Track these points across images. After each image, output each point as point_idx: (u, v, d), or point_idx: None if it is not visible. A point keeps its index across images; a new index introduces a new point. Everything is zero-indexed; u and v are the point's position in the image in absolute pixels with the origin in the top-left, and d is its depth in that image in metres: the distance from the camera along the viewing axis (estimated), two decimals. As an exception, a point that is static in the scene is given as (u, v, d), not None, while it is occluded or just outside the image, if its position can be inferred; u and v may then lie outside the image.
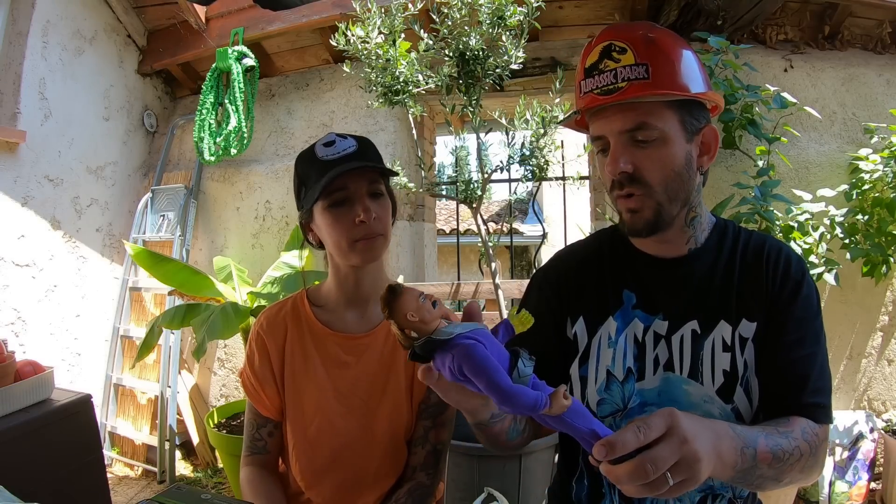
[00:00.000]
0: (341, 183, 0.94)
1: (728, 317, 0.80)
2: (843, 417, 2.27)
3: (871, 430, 2.24)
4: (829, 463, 2.18)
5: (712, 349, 0.80)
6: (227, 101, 2.80)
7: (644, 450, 0.53)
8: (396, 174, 1.06)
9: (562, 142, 2.47)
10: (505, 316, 0.60)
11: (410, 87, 1.98)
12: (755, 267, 0.82)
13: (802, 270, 0.82)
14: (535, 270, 0.99)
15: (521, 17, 1.85)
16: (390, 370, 1.04)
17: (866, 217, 2.15)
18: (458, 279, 2.71)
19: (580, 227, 2.96)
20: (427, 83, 1.99)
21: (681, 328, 0.81)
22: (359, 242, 0.96)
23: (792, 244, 2.04)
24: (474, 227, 2.27)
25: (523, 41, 1.88)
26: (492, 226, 5.96)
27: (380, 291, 1.05)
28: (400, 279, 2.48)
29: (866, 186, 2.17)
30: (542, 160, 2.10)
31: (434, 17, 1.92)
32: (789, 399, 0.76)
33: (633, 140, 0.76)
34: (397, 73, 1.96)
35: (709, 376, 0.79)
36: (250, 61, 2.81)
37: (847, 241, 2.13)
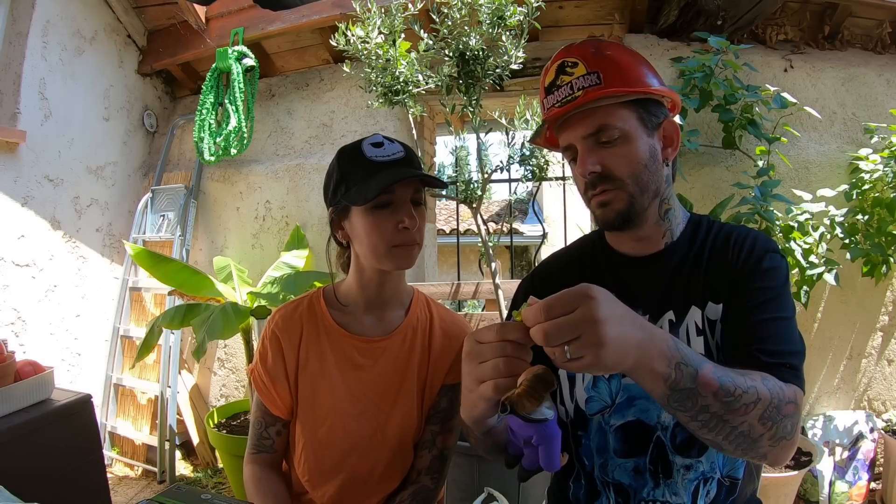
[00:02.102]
0: (390, 187, 0.93)
1: (696, 301, 0.82)
2: (843, 417, 2.27)
3: (871, 430, 2.24)
4: (829, 463, 2.18)
5: (687, 335, 0.82)
6: (227, 101, 2.80)
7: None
8: (446, 185, 1.06)
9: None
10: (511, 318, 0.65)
11: (410, 87, 1.99)
12: (722, 252, 0.84)
13: (767, 248, 0.82)
14: (524, 276, 1.02)
15: (521, 17, 1.85)
16: (404, 375, 1.04)
17: (866, 217, 2.14)
18: (458, 279, 2.71)
19: (580, 227, 2.97)
20: (427, 83, 1.99)
21: (659, 320, 0.84)
22: (397, 248, 0.96)
23: (792, 244, 2.04)
24: (474, 227, 2.27)
25: (523, 41, 1.88)
26: (492, 226, 5.96)
27: (399, 295, 1.09)
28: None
29: (866, 186, 2.17)
30: (542, 160, 2.11)
31: (434, 17, 1.92)
32: (748, 363, 0.71)
33: (597, 142, 0.81)
34: (397, 73, 1.96)
35: None
36: (250, 61, 2.81)
37: (847, 241, 2.13)
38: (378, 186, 0.91)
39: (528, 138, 2.10)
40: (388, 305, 1.07)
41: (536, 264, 1.05)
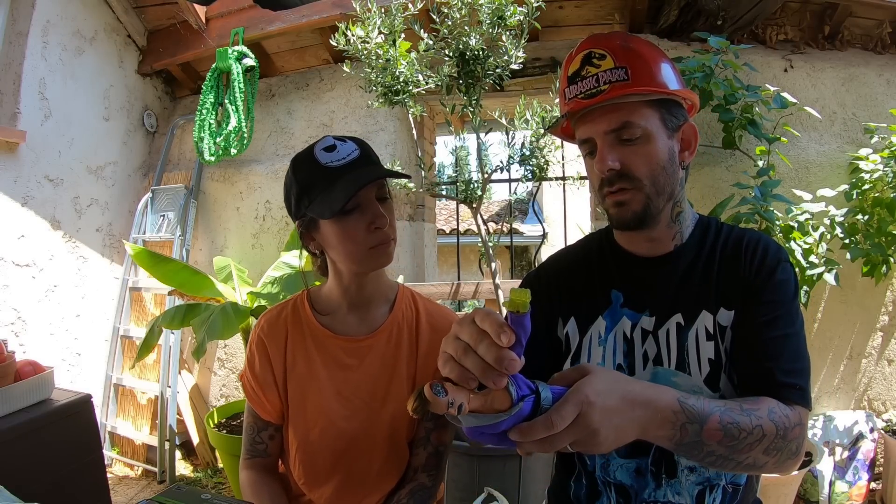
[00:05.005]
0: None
1: (708, 306, 0.82)
2: (843, 417, 2.27)
3: (871, 430, 2.24)
4: (829, 463, 2.18)
5: (696, 339, 0.81)
6: (227, 101, 2.80)
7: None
8: (408, 177, 1.04)
9: (562, 142, 2.47)
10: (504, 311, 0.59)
11: (410, 87, 1.99)
12: (734, 258, 0.84)
13: (779, 258, 0.82)
14: (526, 273, 1.01)
15: (521, 17, 1.85)
16: (393, 372, 1.03)
17: (866, 217, 2.14)
18: (458, 279, 2.71)
19: (580, 227, 2.96)
20: (427, 83, 1.99)
21: (666, 322, 0.83)
22: (373, 249, 0.95)
23: (792, 244, 2.04)
24: (474, 227, 2.27)
25: (523, 41, 1.88)
26: (492, 226, 5.97)
27: (382, 292, 1.08)
28: (400, 279, 2.48)
29: (866, 186, 2.17)
30: (542, 160, 2.11)
31: (434, 17, 1.92)
32: (762, 380, 0.75)
33: (618, 139, 0.80)
34: (397, 73, 1.96)
35: (695, 366, 0.80)
36: (250, 61, 2.81)
37: (847, 241, 2.13)
38: (343, 195, 0.89)
39: (528, 138, 2.10)
40: (372, 304, 1.06)
41: (537, 264, 1.04)
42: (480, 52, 1.88)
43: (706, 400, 0.66)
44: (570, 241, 1.06)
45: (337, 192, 0.91)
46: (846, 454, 2.20)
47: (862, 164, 2.19)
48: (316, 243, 1.01)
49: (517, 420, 0.55)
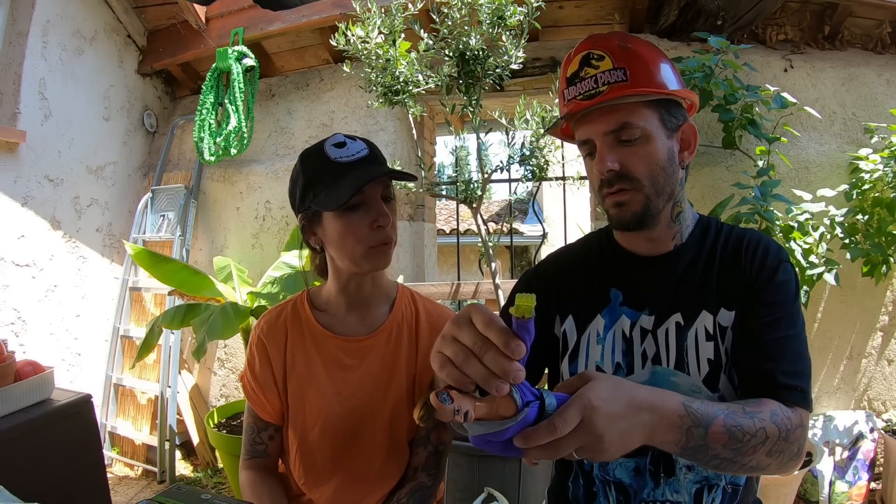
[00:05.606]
0: (360, 188, 0.92)
1: (708, 306, 0.82)
2: (843, 417, 2.27)
3: (871, 430, 2.24)
4: (829, 463, 2.18)
5: (696, 339, 0.81)
6: (227, 101, 2.80)
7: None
8: (415, 178, 1.04)
9: (562, 142, 2.47)
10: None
11: (410, 87, 1.99)
12: (734, 258, 0.84)
13: (780, 258, 0.82)
14: (525, 271, 1.01)
15: (521, 17, 1.85)
16: (392, 372, 1.03)
17: (866, 217, 2.14)
18: (458, 279, 2.71)
19: (580, 227, 2.97)
20: (427, 83, 1.99)
21: (666, 322, 0.83)
22: (373, 249, 0.95)
23: (792, 244, 2.04)
24: (474, 227, 2.27)
25: (523, 41, 1.88)
26: (492, 226, 5.96)
27: (381, 292, 1.08)
28: (400, 279, 2.48)
29: (866, 186, 2.17)
30: (542, 160, 2.11)
31: (434, 17, 1.92)
32: (763, 382, 0.75)
33: (618, 140, 0.80)
34: (397, 73, 1.96)
35: (694, 366, 0.80)
36: (250, 61, 2.81)
37: (847, 241, 2.13)
38: (350, 189, 0.89)
39: (528, 138, 2.10)
40: (371, 304, 1.07)
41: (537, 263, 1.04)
42: (480, 52, 1.88)
43: (709, 403, 0.66)
44: (570, 241, 1.06)
45: (344, 186, 0.91)
46: (846, 454, 2.20)
47: (862, 164, 2.19)
48: (317, 238, 1.01)
49: (522, 427, 0.54)
